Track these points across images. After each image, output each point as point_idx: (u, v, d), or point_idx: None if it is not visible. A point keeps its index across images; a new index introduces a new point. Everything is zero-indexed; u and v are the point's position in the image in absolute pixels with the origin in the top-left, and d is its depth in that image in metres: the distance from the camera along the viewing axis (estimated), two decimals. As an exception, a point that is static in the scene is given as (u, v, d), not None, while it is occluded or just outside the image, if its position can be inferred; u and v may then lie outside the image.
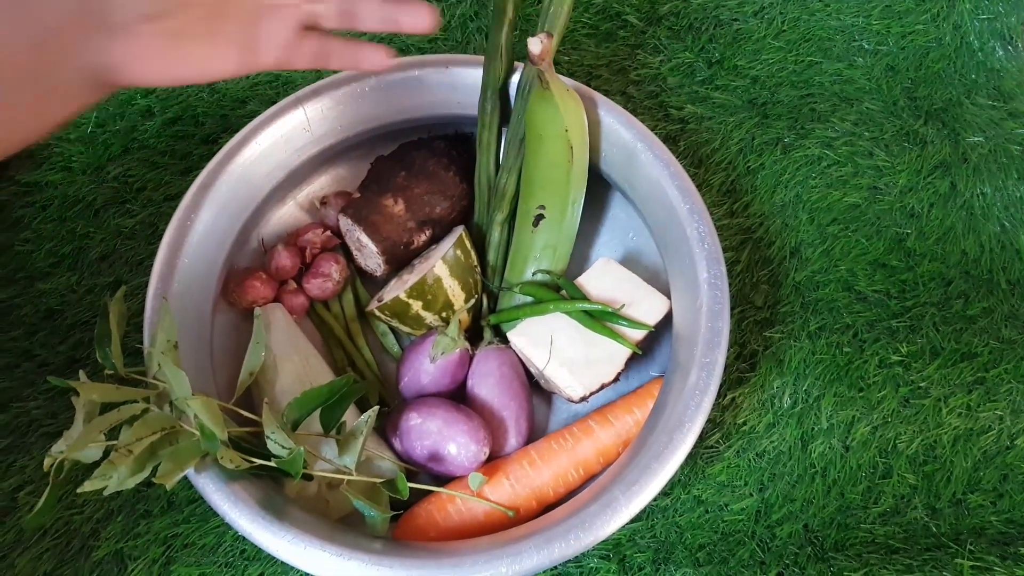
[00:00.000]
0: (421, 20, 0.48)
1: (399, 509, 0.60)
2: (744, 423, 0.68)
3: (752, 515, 0.65)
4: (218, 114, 0.79)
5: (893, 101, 0.81)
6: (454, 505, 0.60)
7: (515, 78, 0.65)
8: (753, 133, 0.79)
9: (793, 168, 0.78)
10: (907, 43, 0.84)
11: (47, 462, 0.51)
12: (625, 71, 0.82)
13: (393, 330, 0.69)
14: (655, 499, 0.55)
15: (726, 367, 0.58)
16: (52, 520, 0.63)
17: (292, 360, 0.63)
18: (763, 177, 0.78)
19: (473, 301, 0.66)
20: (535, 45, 0.56)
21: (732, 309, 0.67)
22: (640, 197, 0.65)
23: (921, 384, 0.70)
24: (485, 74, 0.65)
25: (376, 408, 0.55)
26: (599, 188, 0.70)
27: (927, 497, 0.66)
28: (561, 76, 0.63)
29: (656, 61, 0.82)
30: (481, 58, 0.65)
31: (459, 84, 0.67)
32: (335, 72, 0.67)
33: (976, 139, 0.79)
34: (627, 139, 0.64)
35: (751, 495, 0.66)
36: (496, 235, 0.68)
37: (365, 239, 0.66)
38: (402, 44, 0.82)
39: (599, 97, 0.65)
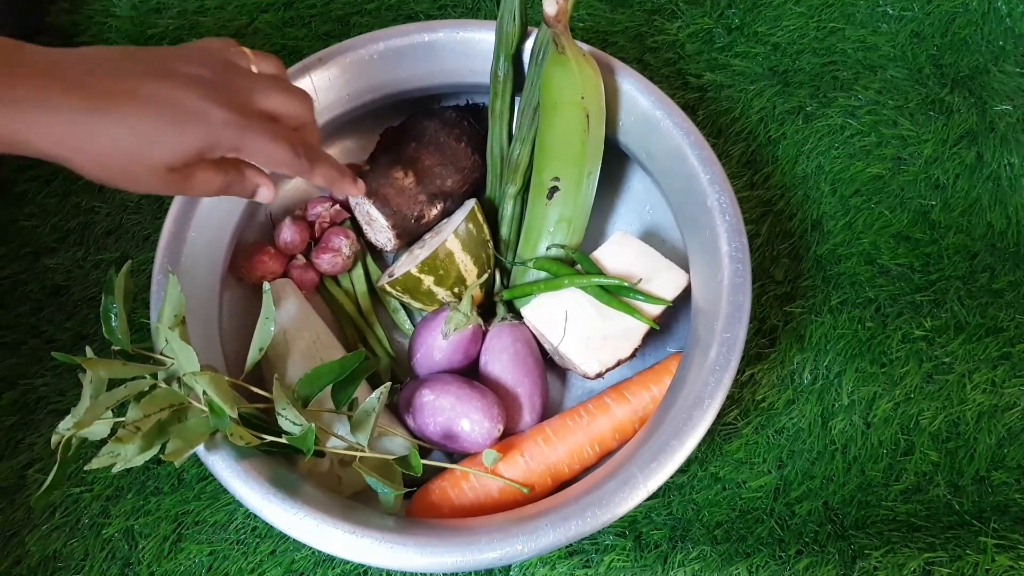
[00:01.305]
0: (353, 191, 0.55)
1: (412, 486, 0.59)
2: (763, 399, 0.67)
3: (771, 492, 0.64)
4: (223, 85, 0.77)
5: (918, 68, 0.79)
6: (468, 482, 0.59)
7: (529, 43, 0.63)
8: (774, 102, 0.77)
9: (815, 138, 0.76)
10: (933, 8, 0.81)
11: (54, 439, 0.51)
12: (641, 38, 0.79)
13: (404, 306, 0.68)
14: (672, 476, 0.54)
15: (745, 342, 0.56)
16: (61, 498, 0.63)
17: (303, 336, 0.62)
18: (784, 147, 0.75)
19: (486, 276, 0.65)
20: (550, 6, 0.54)
21: (752, 283, 0.65)
22: (659, 168, 0.63)
23: (945, 359, 0.68)
24: (497, 39, 0.62)
25: (388, 384, 0.54)
26: (615, 159, 0.68)
27: (950, 474, 0.65)
28: (577, 41, 0.61)
29: (674, 27, 0.80)
30: (493, 23, 0.63)
31: (470, 50, 0.65)
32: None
33: (1004, 108, 0.77)
34: (645, 107, 0.62)
35: (770, 472, 0.65)
36: (509, 208, 0.66)
37: (375, 212, 0.64)
38: (411, 11, 0.80)
39: (616, 63, 0.62)
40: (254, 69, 0.49)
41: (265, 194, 0.51)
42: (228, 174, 0.48)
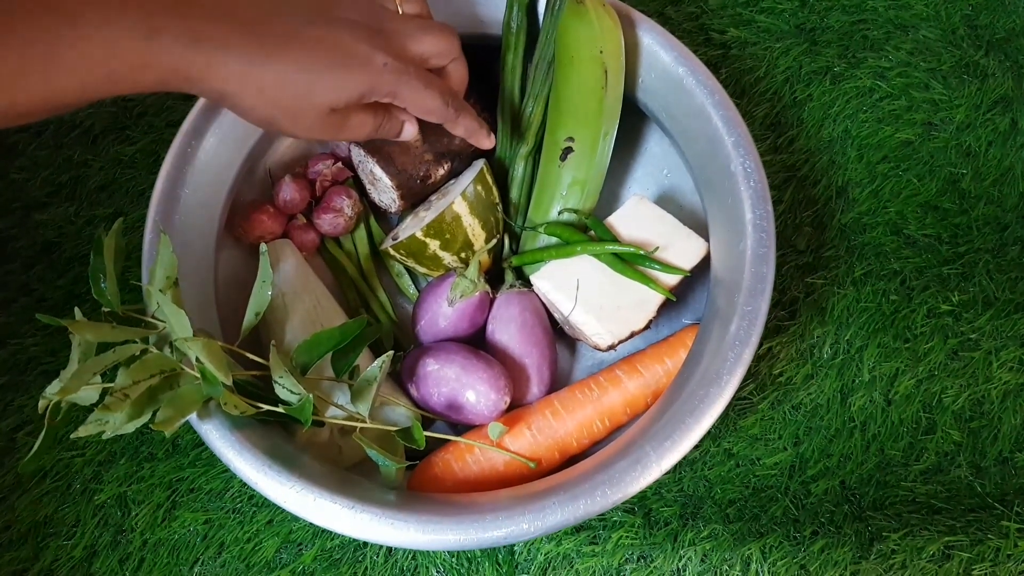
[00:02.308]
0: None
1: (415, 458, 0.57)
2: (781, 374, 0.64)
3: (786, 470, 0.62)
4: (221, 34, 0.73)
5: (952, 29, 0.75)
6: (472, 455, 0.56)
7: (545, -7, 0.59)
8: (800, 61, 0.73)
9: (843, 100, 0.72)
10: (971, -36, 0.77)
11: (41, 404, 0.48)
12: (663, -10, 0.75)
13: (409, 270, 0.65)
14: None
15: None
16: (52, 462, 0.61)
17: (302, 300, 0.60)
18: (810, 109, 0.72)
19: (494, 241, 0.62)
20: (570, -47, 0.50)
21: (773, 253, 0.62)
22: (679, 128, 0.59)
23: (971, 336, 0.65)
24: (511, -12, 0.59)
25: (391, 352, 0.52)
26: (632, 119, 0.64)
27: (972, 455, 0.62)
28: (595, -8, 0.57)
29: (696, -20, 0.76)
30: (507, -29, 0.59)
31: None
32: None
33: (1042, 72, 0.73)
34: (667, 63, 0.58)
35: (785, 449, 0.62)
36: (520, 170, 0.63)
37: (379, 172, 0.61)
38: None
39: (637, 15, 0.59)
40: (399, 11, 0.50)
41: (411, 131, 0.52)
42: (379, 116, 0.49)
